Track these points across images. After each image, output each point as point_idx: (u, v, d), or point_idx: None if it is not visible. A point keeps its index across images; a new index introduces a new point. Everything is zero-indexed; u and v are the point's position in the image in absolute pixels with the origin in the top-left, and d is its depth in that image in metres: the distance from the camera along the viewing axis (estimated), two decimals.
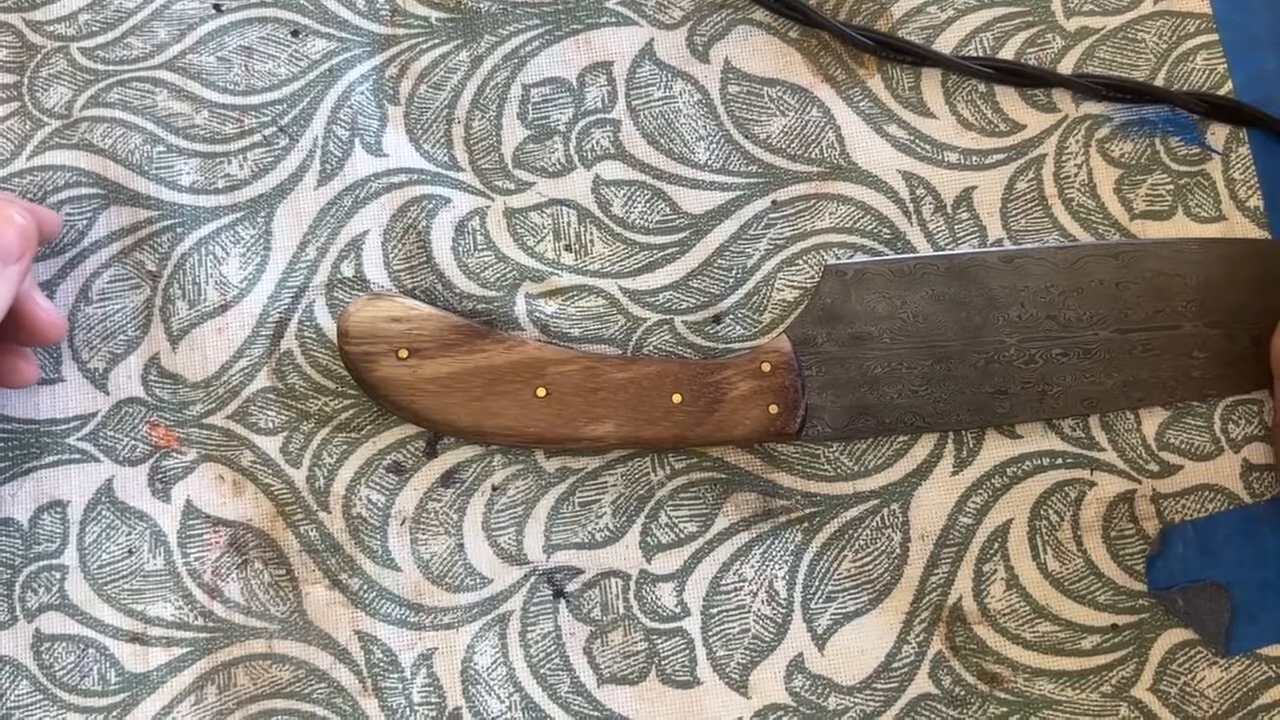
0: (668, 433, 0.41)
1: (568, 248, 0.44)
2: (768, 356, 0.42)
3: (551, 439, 0.41)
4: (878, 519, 0.42)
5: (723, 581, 0.42)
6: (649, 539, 0.42)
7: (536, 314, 0.43)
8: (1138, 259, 0.42)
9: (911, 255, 0.43)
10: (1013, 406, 0.42)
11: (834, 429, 0.42)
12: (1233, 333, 0.42)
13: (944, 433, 0.43)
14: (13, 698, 0.42)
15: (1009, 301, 0.42)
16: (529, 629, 0.42)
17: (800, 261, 0.44)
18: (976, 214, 0.44)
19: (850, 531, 0.42)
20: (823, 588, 0.42)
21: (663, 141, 0.45)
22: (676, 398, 0.41)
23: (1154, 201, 0.44)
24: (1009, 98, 0.45)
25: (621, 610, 0.42)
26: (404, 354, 0.41)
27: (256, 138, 0.45)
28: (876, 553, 0.42)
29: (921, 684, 0.42)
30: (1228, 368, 0.42)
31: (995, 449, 0.43)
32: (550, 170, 0.45)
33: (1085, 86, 0.44)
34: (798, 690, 0.42)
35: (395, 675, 0.42)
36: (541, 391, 0.41)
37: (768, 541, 0.42)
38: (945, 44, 0.45)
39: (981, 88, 0.45)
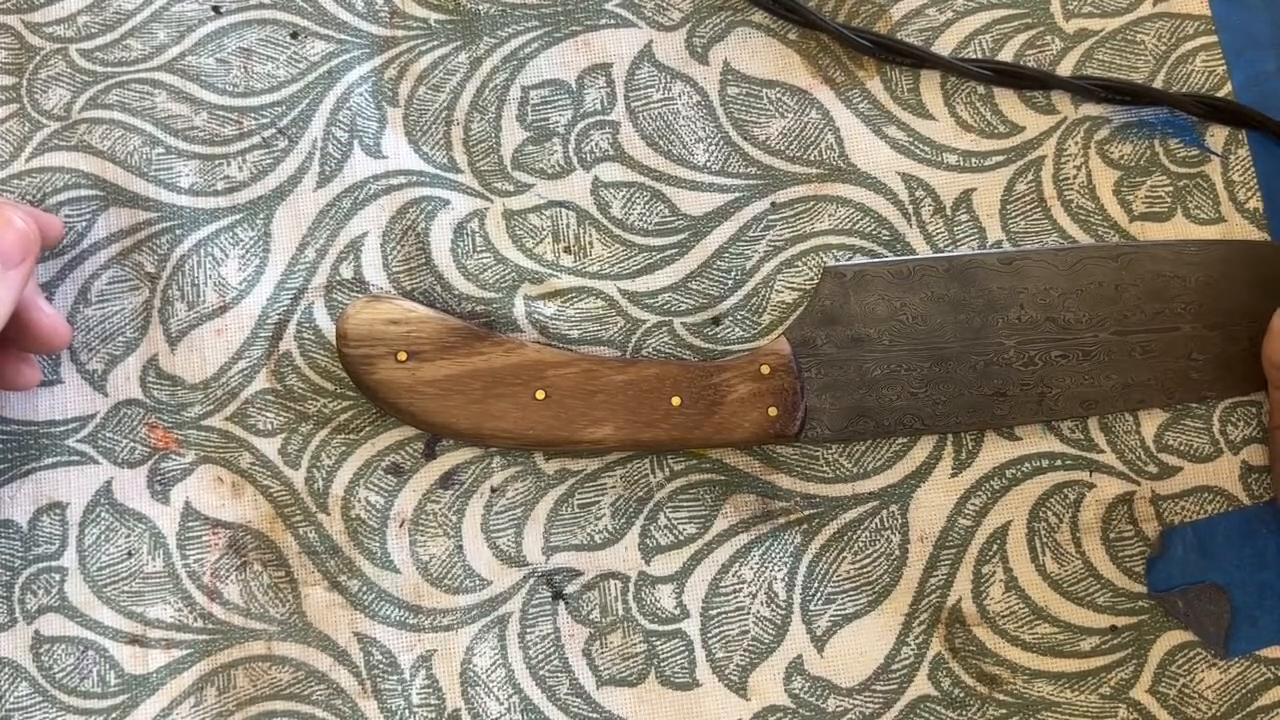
0: (667, 435, 0.41)
1: (567, 249, 0.44)
2: (767, 359, 0.42)
3: (550, 442, 0.41)
4: (877, 521, 0.42)
5: (722, 583, 0.42)
6: (648, 541, 0.42)
7: (535, 316, 0.43)
8: (1137, 261, 0.42)
9: (911, 257, 0.43)
10: (1011, 408, 0.42)
11: (833, 431, 0.42)
12: (1232, 334, 0.42)
13: (943, 435, 0.43)
14: (12, 699, 0.42)
15: (1008, 303, 0.42)
16: (528, 631, 0.42)
17: (799, 263, 0.44)
18: (976, 216, 0.44)
19: (849, 533, 0.42)
20: (822, 589, 0.42)
21: (662, 143, 0.45)
22: (676, 400, 0.41)
23: (1153, 203, 0.44)
24: (1008, 100, 0.45)
25: (620, 612, 0.42)
26: (403, 356, 0.41)
27: (255, 139, 0.45)
28: (876, 554, 0.42)
29: (921, 685, 0.42)
30: (1226, 370, 0.42)
31: (994, 451, 0.43)
32: (549, 172, 0.45)
33: (1084, 88, 0.44)
34: (797, 692, 0.42)
35: (394, 677, 0.42)
36: (540, 394, 0.41)
37: (767, 543, 0.42)
38: (944, 46, 0.45)
39: (981, 90, 0.45)
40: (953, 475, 0.43)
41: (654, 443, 0.41)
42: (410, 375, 0.41)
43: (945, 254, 0.43)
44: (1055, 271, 0.42)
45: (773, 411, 0.41)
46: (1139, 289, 0.42)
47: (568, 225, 0.44)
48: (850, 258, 0.44)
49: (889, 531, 0.42)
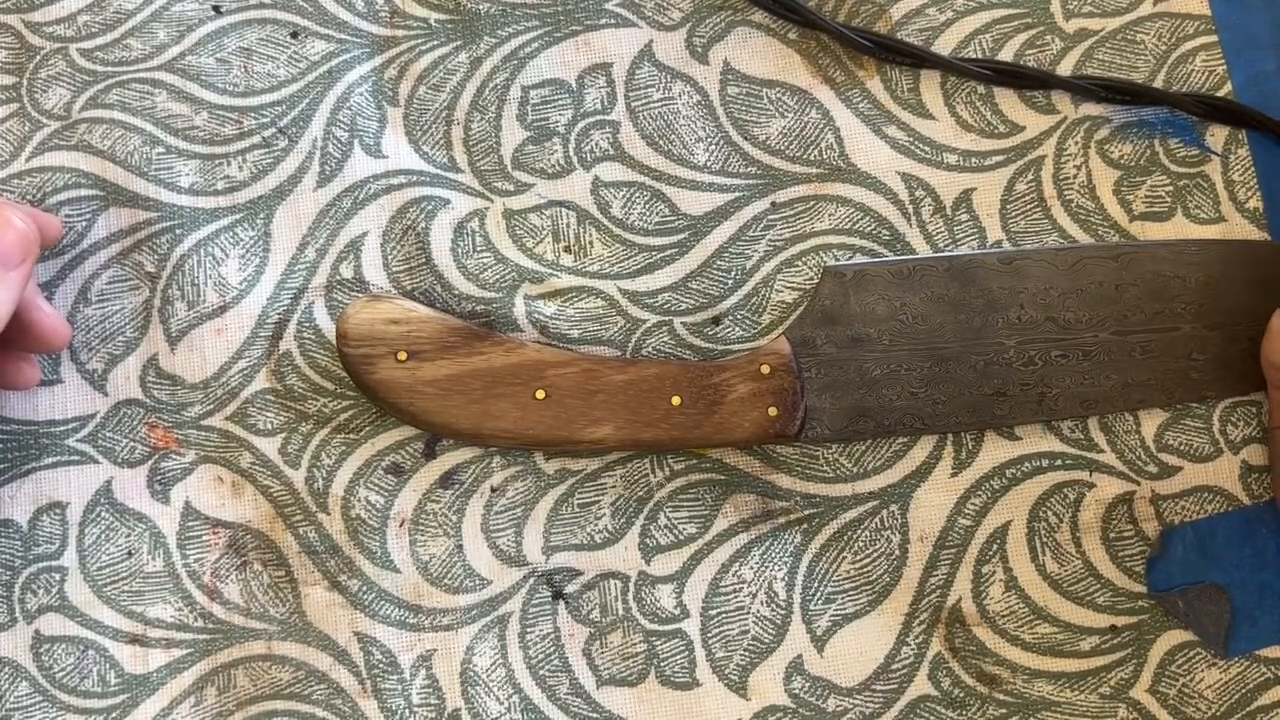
0: (667, 435, 0.41)
1: (567, 249, 0.44)
2: (767, 359, 0.42)
3: (550, 442, 0.41)
4: (877, 520, 0.42)
5: (722, 583, 0.42)
6: (648, 540, 0.42)
7: (535, 315, 0.43)
8: (1137, 260, 0.42)
9: (911, 256, 0.43)
10: (1011, 408, 0.42)
11: (833, 430, 0.42)
12: (1231, 335, 0.42)
13: (943, 434, 0.43)
14: (12, 699, 0.42)
15: (1008, 303, 0.42)
16: (528, 630, 0.42)
17: (799, 263, 0.44)
18: (976, 215, 0.44)
19: (849, 533, 0.42)
20: (822, 589, 0.42)
21: (662, 143, 0.45)
22: (676, 400, 0.41)
23: (1153, 203, 0.44)
24: (1008, 99, 0.45)
25: (620, 612, 0.42)
26: (403, 356, 0.41)
27: (256, 139, 0.45)
28: (876, 554, 0.42)
29: (921, 685, 0.42)
30: (1226, 370, 0.42)
31: (994, 450, 0.43)
32: (549, 172, 0.45)
33: (1084, 88, 0.44)
34: (797, 692, 0.42)
35: (394, 676, 0.42)
36: (540, 394, 0.41)
37: (767, 543, 0.42)
38: (944, 46, 0.45)
39: (981, 89, 0.45)
40: (953, 475, 0.43)
41: (654, 442, 0.41)
42: (410, 375, 0.41)
43: (945, 254, 0.43)
44: (1055, 271, 0.42)
45: (773, 411, 0.41)
46: (1139, 289, 0.42)
47: (568, 225, 0.44)
48: (850, 257, 0.44)
49: (889, 531, 0.42)
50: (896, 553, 0.42)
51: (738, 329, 0.44)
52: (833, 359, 0.42)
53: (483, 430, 0.41)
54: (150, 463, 0.43)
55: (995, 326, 0.42)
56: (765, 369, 0.41)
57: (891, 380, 0.42)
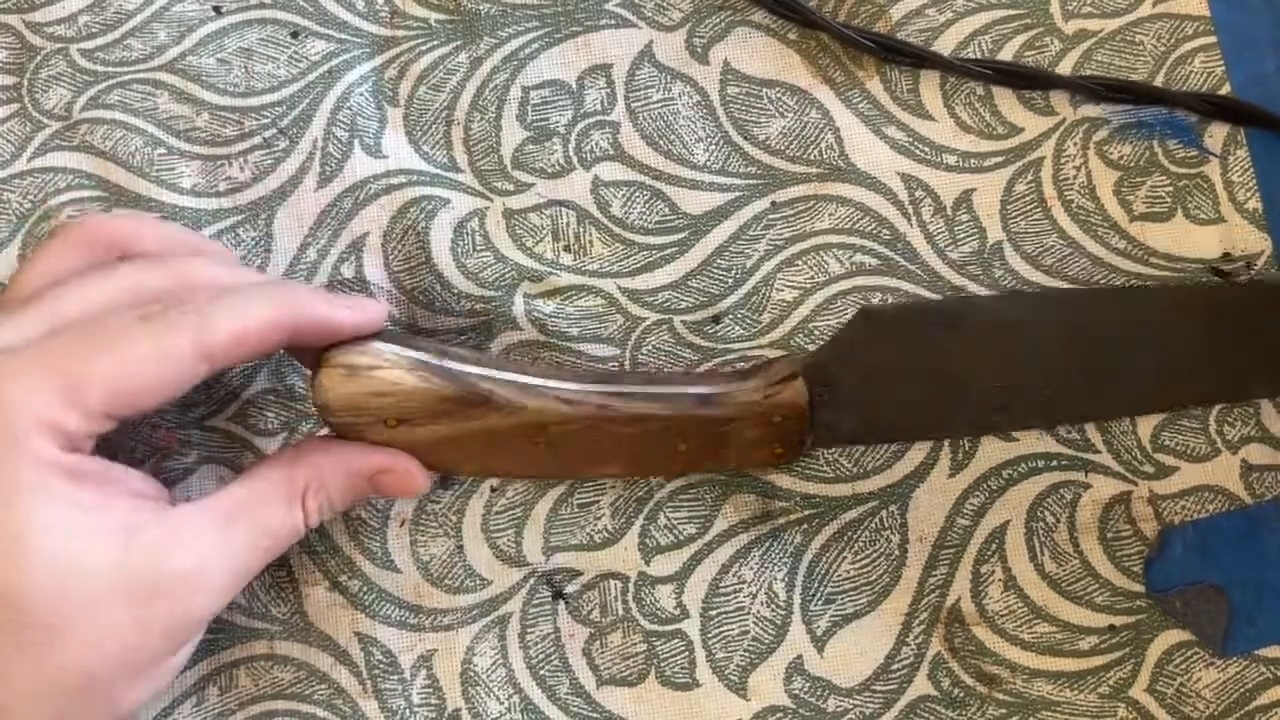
0: (672, 472, 0.42)
1: (567, 248, 0.44)
2: (781, 409, 0.40)
3: (558, 478, 0.42)
4: (876, 521, 0.43)
5: (722, 583, 0.42)
6: (648, 541, 0.43)
7: (535, 314, 0.44)
8: (1151, 301, 0.42)
9: (947, 298, 0.43)
10: (1013, 420, 0.42)
11: (835, 440, 0.42)
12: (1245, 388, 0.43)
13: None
14: None
15: (1039, 338, 0.42)
16: (528, 630, 0.42)
17: (799, 262, 0.44)
18: (976, 216, 0.44)
19: (849, 533, 0.42)
20: (822, 589, 0.42)
21: (662, 143, 0.45)
22: (682, 446, 0.40)
23: (1153, 203, 0.44)
24: (1007, 101, 0.45)
25: (620, 612, 0.42)
26: (393, 423, 0.38)
27: (257, 140, 0.45)
28: (875, 554, 0.42)
29: (920, 685, 0.42)
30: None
31: (991, 451, 0.43)
32: (549, 171, 0.45)
33: (1083, 89, 0.44)
34: (797, 692, 0.42)
35: (395, 677, 0.42)
36: (543, 446, 0.40)
37: (767, 543, 0.42)
38: (944, 46, 0.45)
39: (980, 91, 0.45)
40: (950, 475, 0.43)
41: (659, 475, 0.42)
42: (405, 437, 0.39)
43: (985, 295, 0.43)
44: (1095, 310, 0.42)
45: (778, 450, 0.41)
46: (1153, 333, 0.42)
47: (568, 224, 0.44)
48: (883, 299, 0.44)
49: (888, 531, 0.42)
50: (896, 553, 0.42)
51: (738, 327, 0.44)
52: (847, 394, 0.41)
53: (491, 470, 0.41)
54: (152, 463, 0.43)
55: (1016, 360, 0.42)
56: (778, 419, 0.40)
57: (903, 407, 0.41)
